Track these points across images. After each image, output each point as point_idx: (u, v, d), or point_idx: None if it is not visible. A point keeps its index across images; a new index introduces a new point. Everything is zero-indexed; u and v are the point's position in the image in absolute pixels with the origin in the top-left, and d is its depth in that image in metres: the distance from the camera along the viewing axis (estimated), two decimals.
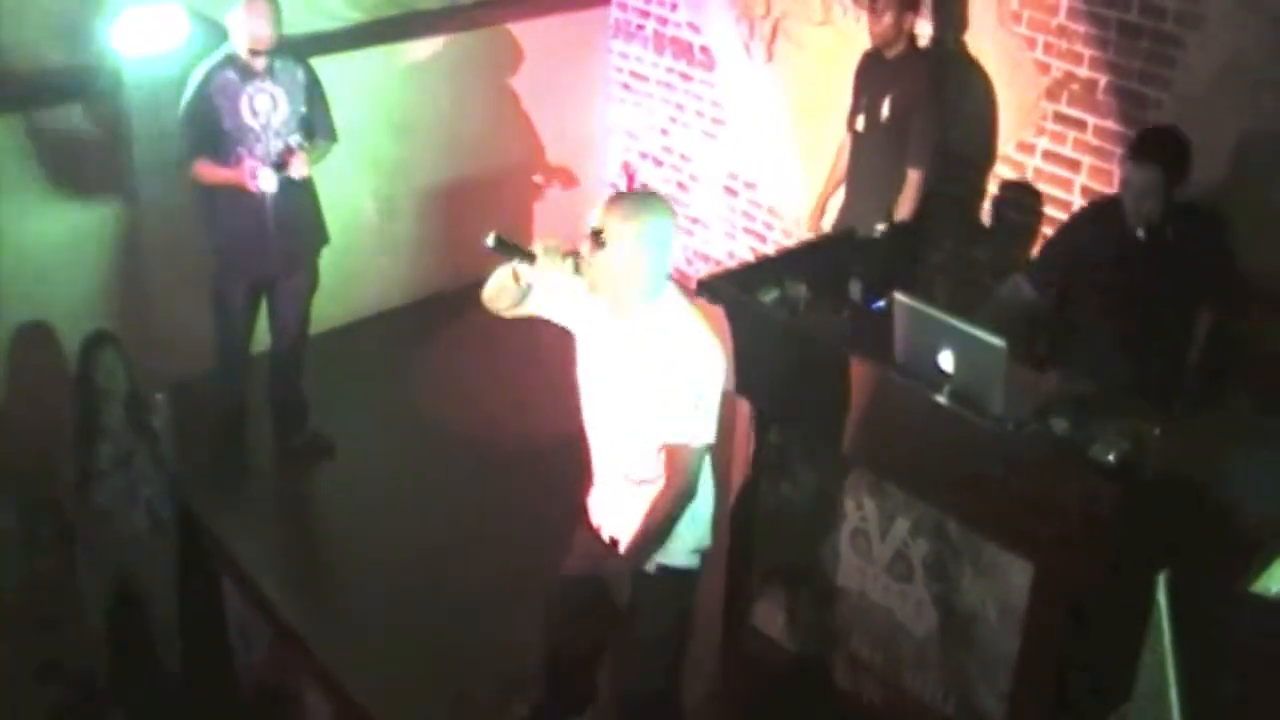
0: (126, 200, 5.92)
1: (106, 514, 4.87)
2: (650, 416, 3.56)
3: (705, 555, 3.84)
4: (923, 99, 5.51)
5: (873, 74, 5.68)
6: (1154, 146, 4.36)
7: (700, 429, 3.55)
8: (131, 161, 5.85)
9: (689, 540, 3.75)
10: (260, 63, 5.32)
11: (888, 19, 5.47)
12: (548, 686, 4.18)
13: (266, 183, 5.30)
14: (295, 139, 5.43)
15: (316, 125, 5.57)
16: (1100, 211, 4.73)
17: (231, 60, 5.32)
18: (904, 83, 5.53)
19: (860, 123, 5.70)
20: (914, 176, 5.54)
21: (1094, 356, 4.53)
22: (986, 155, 5.79)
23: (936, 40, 5.83)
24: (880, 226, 5.48)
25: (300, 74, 5.48)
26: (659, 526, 3.62)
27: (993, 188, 5.79)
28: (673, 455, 3.57)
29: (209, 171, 5.37)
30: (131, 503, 4.89)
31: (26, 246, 5.66)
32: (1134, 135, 4.64)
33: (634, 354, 3.57)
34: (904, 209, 5.56)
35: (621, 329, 3.60)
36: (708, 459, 3.67)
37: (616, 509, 3.79)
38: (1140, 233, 4.41)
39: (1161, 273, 4.42)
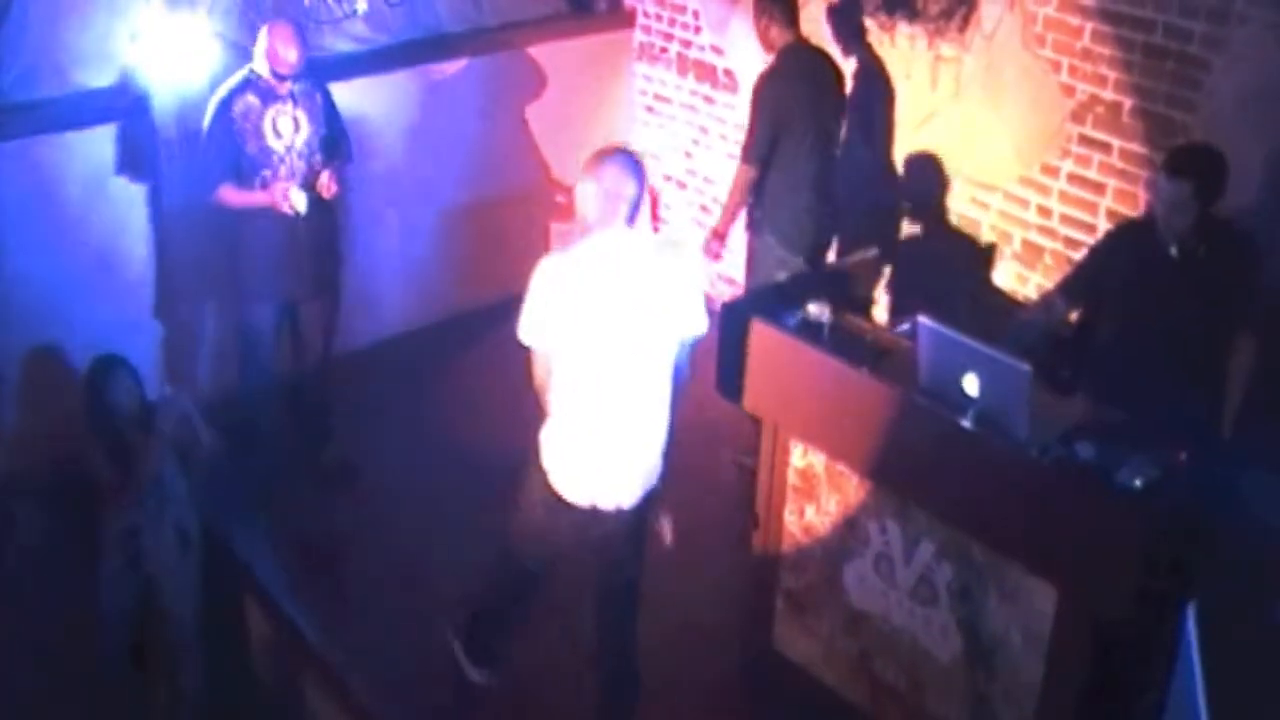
0: (155, 221, 5.96)
1: (134, 531, 4.87)
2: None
3: (560, 488, 4.21)
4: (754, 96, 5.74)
5: None
6: (1186, 160, 4.33)
7: (530, 331, 4.06)
8: (159, 183, 5.89)
9: (550, 449, 4.22)
10: (284, 85, 5.35)
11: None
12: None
13: (300, 203, 5.33)
14: (318, 159, 5.45)
15: (338, 146, 5.60)
16: (1132, 231, 4.70)
17: (252, 83, 5.33)
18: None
19: None
20: (737, 170, 5.79)
21: (1125, 380, 4.44)
22: (1005, 179, 5.79)
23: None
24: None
25: (319, 96, 5.51)
26: None
27: (1017, 210, 5.78)
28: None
29: (236, 196, 5.39)
30: (159, 519, 4.90)
31: (57, 267, 5.70)
32: (1170, 149, 4.59)
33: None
34: (728, 203, 5.85)
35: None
36: (579, 398, 4.09)
37: None
38: (1173, 250, 4.35)
39: (1194, 292, 4.33)
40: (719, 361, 4.66)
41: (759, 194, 5.78)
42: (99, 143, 5.74)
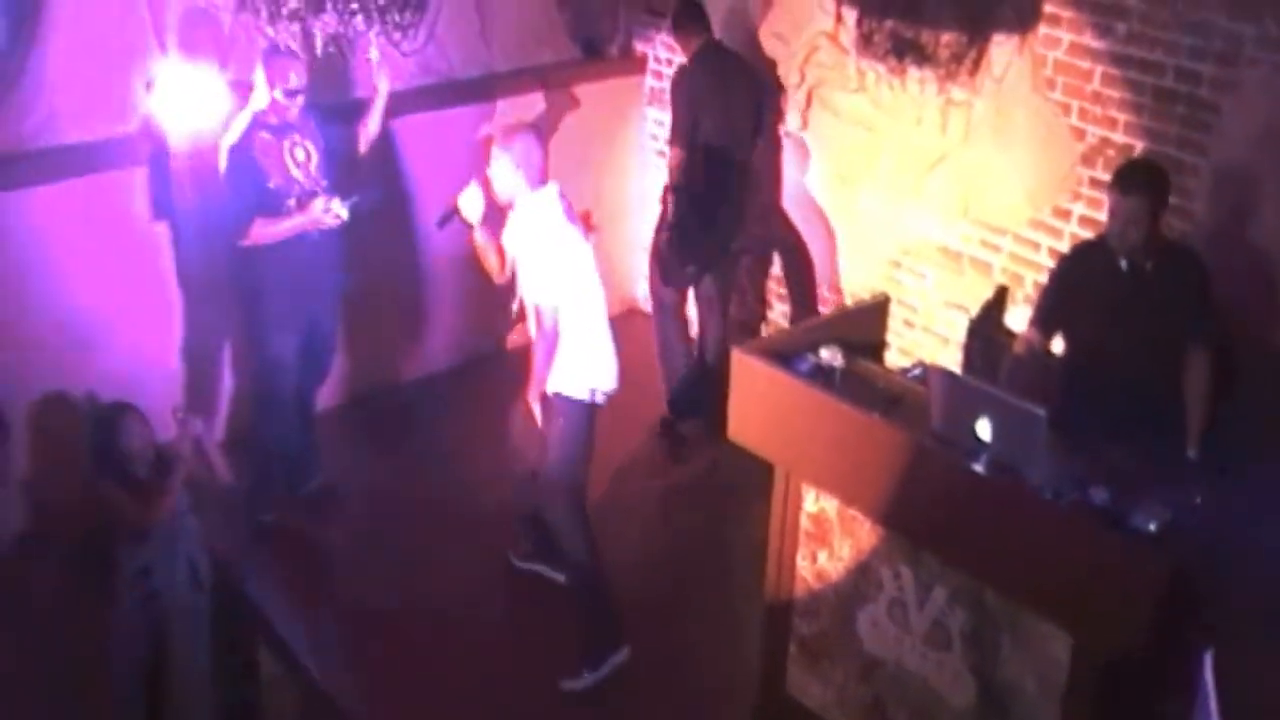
0: (171, 265, 5.99)
1: (147, 570, 4.89)
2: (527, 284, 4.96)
3: (596, 395, 5.08)
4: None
5: None
6: (1139, 176, 4.56)
7: (545, 292, 4.87)
8: (175, 227, 5.93)
9: (570, 373, 4.98)
10: (293, 112, 5.42)
11: None
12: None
13: (343, 212, 5.47)
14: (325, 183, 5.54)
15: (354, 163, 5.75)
16: (1085, 251, 4.85)
17: (261, 121, 5.40)
18: None
19: None
20: (669, 156, 6.42)
21: (1086, 398, 4.65)
22: (1016, 222, 5.79)
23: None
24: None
25: (313, 124, 5.59)
26: (535, 366, 4.98)
27: (1028, 253, 5.78)
28: (535, 312, 4.96)
29: (272, 228, 5.44)
30: (172, 555, 4.91)
31: (73, 312, 5.72)
32: (1117, 167, 4.76)
33: (517, 236, 4.99)
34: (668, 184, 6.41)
35: (514, 219, 5.03)
36: (574, 316, 4.92)
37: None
38: (1123, 264, 4.54)
39: (1144, 305, 4.54)
40: (730, 406, 4.65)
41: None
42: (116, 188, 5.78)
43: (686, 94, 6.28)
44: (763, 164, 6.77)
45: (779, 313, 7.16)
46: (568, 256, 4.90)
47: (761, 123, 6.53)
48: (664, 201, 6.44)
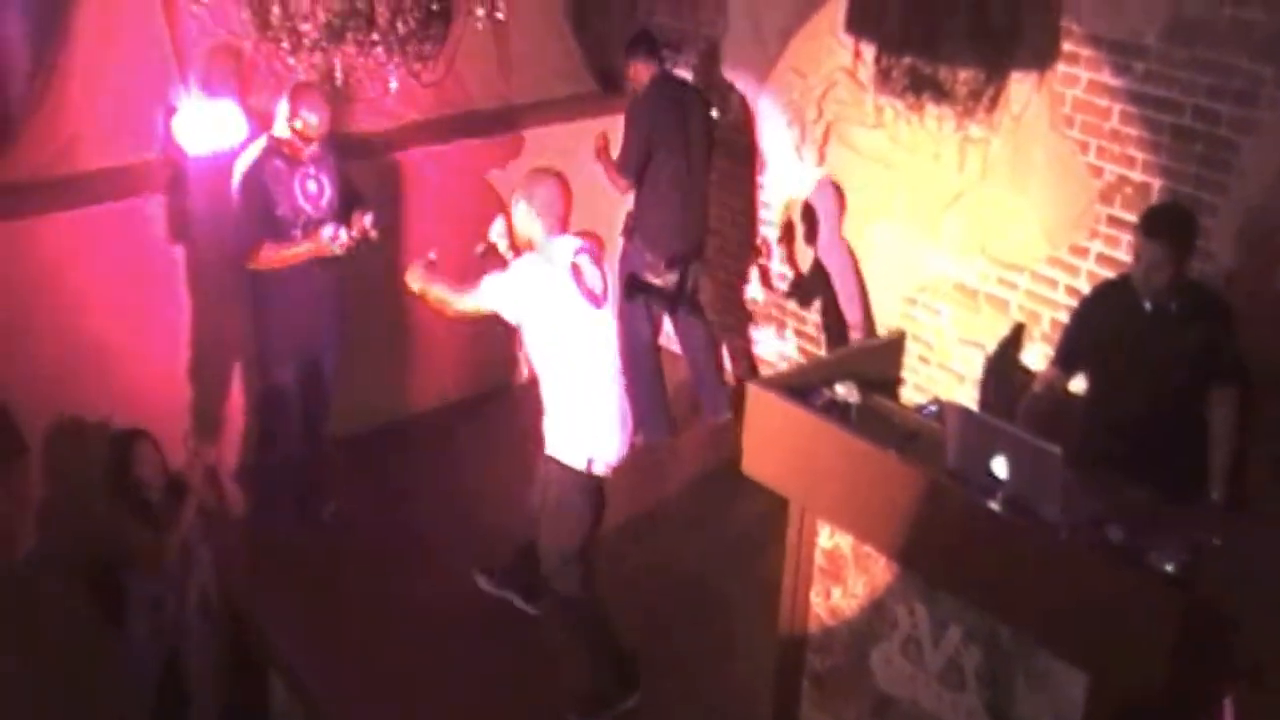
0: (186, 290, 6.00)
1: (159, 600, 4.89)
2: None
3: (593, 464, 4.83)
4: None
5: None
6: (1164, 222, 4.53)
7: (497, 293, 4.72)
8: (191, 253, 5.94)
9: (566, 438, 4.82)
10: (307, 150, 5.41)
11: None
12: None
13: (346, 242, 5.49)
14: (368, 220, 5.58)
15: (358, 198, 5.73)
16: (1108, 291, 4.84)
17: (275, 150, 5.41)
18: None
19: None
20: (615, 179, 6.50)
21: (1106, 437, 4.62)
22: (1033, 260, 5.78)
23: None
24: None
25: (331, 159, 5.60)
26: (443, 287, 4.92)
27: (1045, 291, 5.77)
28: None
29: (278, 251, 5.44)
30: (185, 582, 4.91)
31: (88, 337, 5.74)
32: (1145, 211, 4.75)
33: None
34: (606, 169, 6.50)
35: None
36: (573, 383, 4.76)
37: None
38: (1147, 305, 4.53)
39: (1167, 345, 4.52)
40: (744, 440, 4.63)
41: (634, 202, 6.56)
42: (134, 215, 5.80)
43: (643, 123, 6.35)
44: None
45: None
46: (554, 313, 4.70)
47: (706, 149, 6.60)
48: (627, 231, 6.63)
